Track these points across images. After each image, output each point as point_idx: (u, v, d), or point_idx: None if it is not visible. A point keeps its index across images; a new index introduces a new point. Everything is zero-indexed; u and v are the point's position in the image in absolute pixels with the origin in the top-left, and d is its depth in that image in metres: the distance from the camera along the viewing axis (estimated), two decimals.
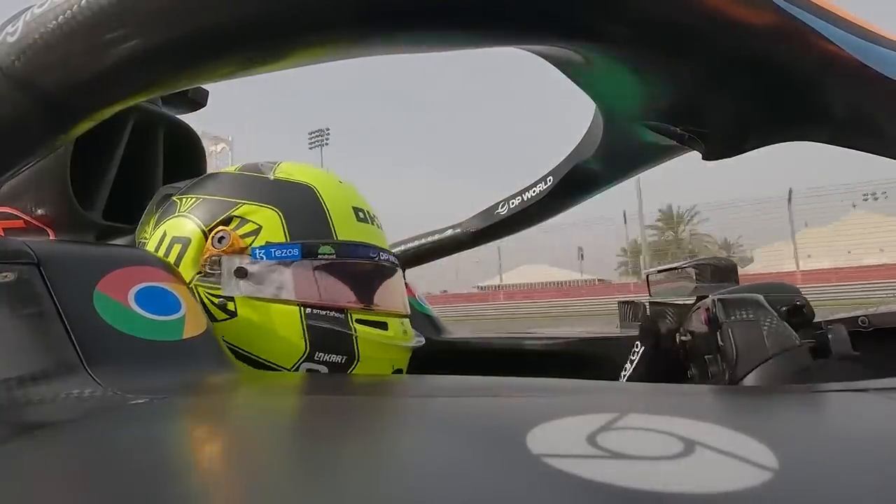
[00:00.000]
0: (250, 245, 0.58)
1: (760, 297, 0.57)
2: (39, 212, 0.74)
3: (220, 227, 0.59)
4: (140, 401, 0.35)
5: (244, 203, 0.59)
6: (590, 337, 0.96)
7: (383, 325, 0.62)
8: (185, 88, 0.39)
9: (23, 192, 0.74)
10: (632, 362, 0.74)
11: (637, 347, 0.73)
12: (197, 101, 0.92)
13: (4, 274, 0.42)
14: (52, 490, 0.23)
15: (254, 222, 0.58)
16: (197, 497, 0.21)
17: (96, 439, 0.30)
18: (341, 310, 0.59)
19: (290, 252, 0.57)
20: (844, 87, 0.36)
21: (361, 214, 0.64)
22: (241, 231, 0.58)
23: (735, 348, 0.52)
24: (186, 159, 0.92)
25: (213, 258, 0.58)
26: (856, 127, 0.40)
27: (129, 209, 0.82)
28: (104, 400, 0.36)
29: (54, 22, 0.32)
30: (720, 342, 0.55)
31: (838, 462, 0.21)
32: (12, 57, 0.34)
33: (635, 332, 0.99)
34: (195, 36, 0.32)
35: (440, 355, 0.93)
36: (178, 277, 0.53)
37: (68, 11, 0.32)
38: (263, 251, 0.57)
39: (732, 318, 0.54)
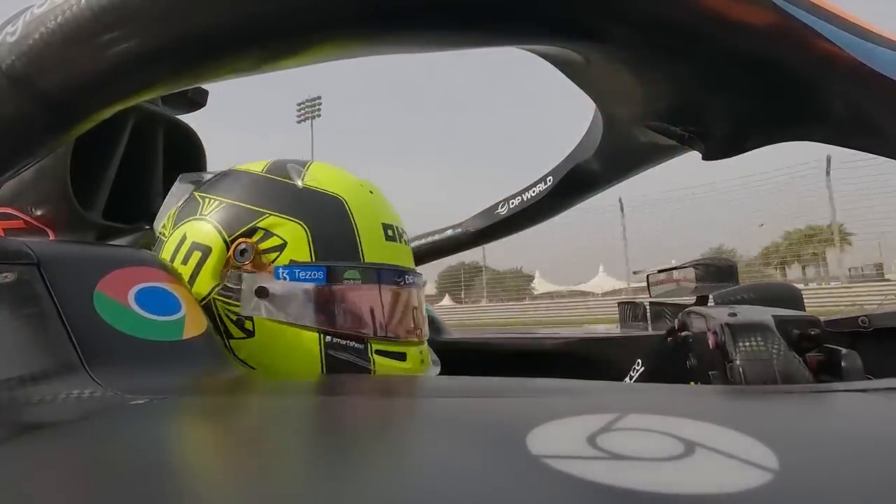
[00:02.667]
0: (273, 262, 0.56)
1: (770, 322, 0.56)
2: (39, 212, 0.74)
3: (243, 239, 0.56)
4: (140, 401, 0.35)
5: (270, 214, 0.57)
6: (590, 337, 0.96)
7: (402, 356, 0.59)
8: (185, 88, 0.39)
9: (22, 193, 0.74)
10: (636, 370, 0.74)
11: (638, 365, 0.73)
12: (197, 101, 0.92)
13: (4, 274, 0.42)
14: (52, 490, 0.23)
15: (279, 237, 0.56)
16: (197, 497, 0.21)
17: (96, 439, 0.30)
18: (362, 340, 0.57)
19: (314, 275, 0.55)
20: (844, 86, 0.36)
21: (390, 232, 0.61)
22: (264, 245, 0.56)
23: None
24: (186, 159, 0.92)
25: (234, 273, 0.56)
26: (856, 127, 0.39)
27: (129, 209, 0.82)
28: (104, 400, 0.36)
29: (54, 22, 0.32)
30: (730, 377, 0.54)
31: (839, 463, 0.21)
32: (12, 57, 0.34)
33: (636, 333, 0.99)
34: (195, 36, 0.32)
35: (440, 355, 0.93)
36: (178, 278, 0.53)
37: (68, 11, 0.32)
38: (287, 272, 0.55)
39: (742, 348, 0.53)
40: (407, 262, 0.63)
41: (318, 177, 0.60)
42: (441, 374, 0.45)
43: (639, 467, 0.20)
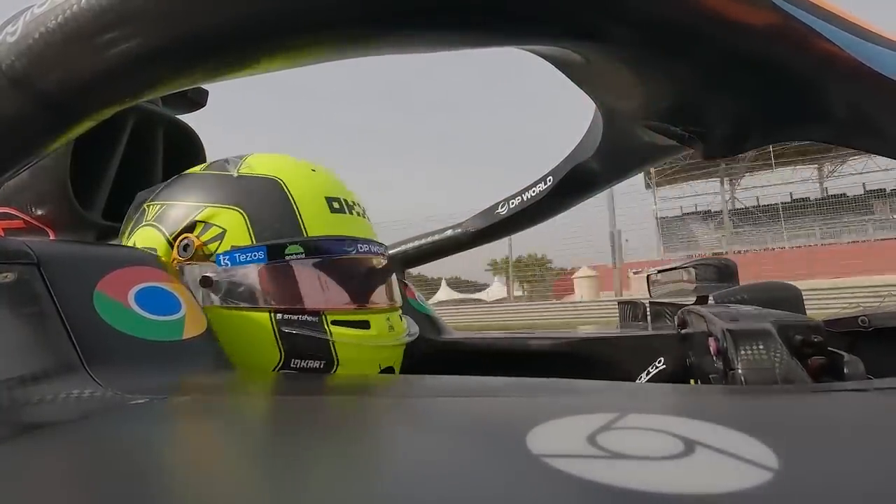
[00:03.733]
0: (215, 251, 0.56)
1: (772, 328, 0.56)
2: (39, 212, 0.74)
3: (185, 235, 0.56)
4: (140, 401, 0.35)
5: (207, 206, 0.57)
6: (591, 337, 0.96)
7: (365, 324, 0.58)
8: (185, 88, 0.39)
9: (22, 193, 0.74)
10: (648, 373, 0.73)
11: (659, 363, 0.73)
12: (197, 101, 0.92)
13: (4, 274, 0.42)
14: (52, 490, 0.23)
15: (217, 226, 0.56)
16: (196, 497, 0.21)
17: (96, 439, 0.30)
18: (315, 312, 0.56)
19: (255, 256, 0.55)
20: (844, 86, 0.36)
21: (336, 204, 0.60)
22: (205, 237, 0.56)
23: None
24: (186, 159, 0.92)
25: (179, 267, 0.56)
26: (856, 127, 0.40)
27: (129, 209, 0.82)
28: (104, 400, 0.36)
29: (54, 22, 0.32)
30: (731, 384, 0.54)
31: (839, 462, 0.21)
32: (12, 57, 0.34)
33: (636, 333, 0.99)
34: (196, 36, 0.32)
35: (440, 355, 0.93)
36: (178, 278, 0.54)
37: (68, 11, 0.32)
38: (228, 257, 0.55)
39: (744, 356, 0.53)
40: (361, 232, 0.62)
41: (253, 164, 0.61)
42: (441, 374, 0.45)
43: (639, 466, 0.20)
